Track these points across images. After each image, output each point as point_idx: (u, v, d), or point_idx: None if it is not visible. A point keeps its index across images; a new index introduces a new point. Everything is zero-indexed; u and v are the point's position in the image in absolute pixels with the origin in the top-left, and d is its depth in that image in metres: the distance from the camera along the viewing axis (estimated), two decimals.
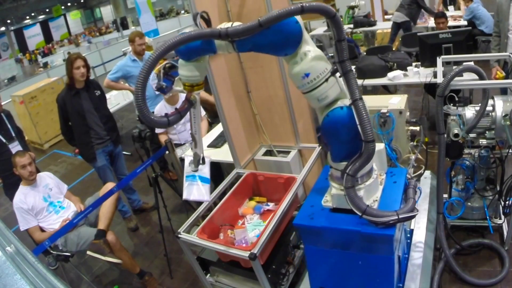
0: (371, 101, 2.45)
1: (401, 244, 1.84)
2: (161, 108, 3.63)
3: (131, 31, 5.31)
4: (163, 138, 3.57)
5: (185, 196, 1.90)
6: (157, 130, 3.62)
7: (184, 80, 1.61)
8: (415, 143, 2.54)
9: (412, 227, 2.37)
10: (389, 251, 1.59)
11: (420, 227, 2.39)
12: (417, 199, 1.68)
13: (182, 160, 3.23)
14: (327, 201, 1.71)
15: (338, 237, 1.65)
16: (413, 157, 2.42)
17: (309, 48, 1.43)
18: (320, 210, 1.71)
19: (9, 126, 3.44)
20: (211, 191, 2.05)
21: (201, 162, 1.92)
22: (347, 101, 1.46)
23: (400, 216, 1.46)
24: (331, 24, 1.36)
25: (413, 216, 1.50)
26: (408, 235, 2.27)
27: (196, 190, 1.90)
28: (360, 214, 1.51)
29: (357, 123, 1.41)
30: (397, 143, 2.44)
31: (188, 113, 3.67)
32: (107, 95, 4.46)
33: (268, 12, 2.20)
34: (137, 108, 1.35)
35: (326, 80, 1.43)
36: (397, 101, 2.51)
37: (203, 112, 3.79)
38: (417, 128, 2.49)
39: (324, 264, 1.80)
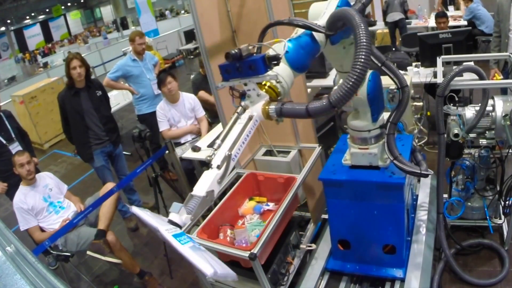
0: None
1: (409, 201, 2.10)
2: (162, 107, 3.64)
3: (131, 31, 5.31)
4: (167, 134, 3.60)
5: (209, 273, 0.98)
6: (161, 128, 3.63)
7: (284, 88, 1.40)
8: (418, 116, 2.64)
9: (417, 193, 2.56)
10: (400, 199, 1.83)
11: (420, 227, 2.41)
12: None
13: (182, 160, 3.25)
14: (347, 159, 1.96)
15: (357, 188, 1.89)
16: (416, 129, 2.58)
17: None
18: (341, 167, 1.98)
19: (9, 127, 3.44)
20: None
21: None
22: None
23: (422, 172, 1.62)
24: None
25: (428, 175, 1.64)
26: (414, 197, 2.49)
27: (214, 262, 1.07)
28: (392, 158, 1.66)
29: (392, 76, 1.65)
30: (403, 116, 2.54)
31: (186, 109, 3.60)
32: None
33: (268, 12, 2.21)
34: (354, 86, 1.16)
35: None
36: None
37: (203, 112, 3.79)
38: (421, 103, 2.67)
39: (343, 217, 2.01)
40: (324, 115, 1.80)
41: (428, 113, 3.05)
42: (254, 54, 1.35)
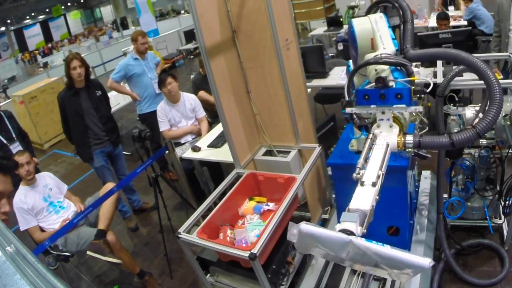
0: None
1: (411, 185, 2.20)
2: (163, 108, 3.64)
3: (133, 31, 5.31)
4: (167, 135, 3.60)
5: (427, 264, 0.98)
6: (161, 128, 3.63)
7: (406, 120, 1.45)
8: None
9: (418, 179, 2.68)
10: (404, 182, 1.95)
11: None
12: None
13: (182, 160, 3.25)
14: (353, 145, 2.12)
15: None
16: (418, 120, 2.61)
17: None
18: (347, 153, 2.13)
19: (9, 126, 3.44)
20: (211, 191, 2.05)
21: None
22: None
23: (420, 153, 1.65)
24: None
25: (427, 157, 1.70)
26: (416, 184, 2.61)
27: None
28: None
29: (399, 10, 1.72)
30: None
31: (186, 109, 3.62)
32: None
33: (268, 12, 2.21)
34: (497, 113, 1.26)
35: None
36: None
37: (203, 113, 3.79)
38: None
39: (350, 199, 2.04)
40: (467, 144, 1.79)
41: (429, 104, 3.26)
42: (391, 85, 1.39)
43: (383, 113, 1.38)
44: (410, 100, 1.32)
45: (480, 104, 2.16)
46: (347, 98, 1.58)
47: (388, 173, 1.78)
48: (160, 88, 3.68)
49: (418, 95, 1.35)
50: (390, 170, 1.83)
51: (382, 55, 1.53)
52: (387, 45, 1.58)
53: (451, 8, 6.93)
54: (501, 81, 2.83)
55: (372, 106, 1.38)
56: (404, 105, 1.33)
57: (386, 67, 1.52)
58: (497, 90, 1.24)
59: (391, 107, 1.35)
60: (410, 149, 1.34)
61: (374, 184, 1.19)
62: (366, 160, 1.29)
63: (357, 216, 1.08)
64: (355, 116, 1.56)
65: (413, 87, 1.34)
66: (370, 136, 1.39)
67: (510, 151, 2.24)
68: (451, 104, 2.25)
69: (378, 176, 1.22)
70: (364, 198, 1.16)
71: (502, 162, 2.28)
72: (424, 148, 1.34)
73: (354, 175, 1.23)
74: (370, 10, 1.96)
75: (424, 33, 3.98)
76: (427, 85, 1.43)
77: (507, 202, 2.35)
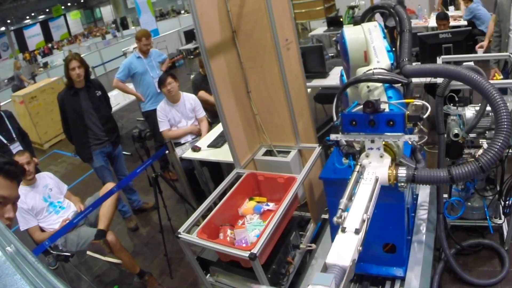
0: None
1: (409, 200, 2.06)
2: (163, 108, 3.64)
3: (132, 31, 5.33)
4: (167, 135, 3.60)
5: None
6: (161, 128, 3.63)
7: (399, 148, 1.29)
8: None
9: (417, 192, 2.52)
10: (401, 198, 1.81)
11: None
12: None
13: (182, 160, 3.25)
14: (347, 159, 1.95)
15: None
16: (416, 129, 2.53)
17: None
18: (340, 167, 1.97)
19: (9, 126, 3.45)
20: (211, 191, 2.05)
21: None
22: None
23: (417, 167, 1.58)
24: None
25: None
26: (415, 197, 2.45)
27: None
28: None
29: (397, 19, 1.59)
30: None
31: (186, 109, 3.62)
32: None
33: (268, 12, 2.21)
34: (503, 147, 1.09)
35: None
36: None
37: (203, 113, 3.79)
38: (420, 102, 2.56)
39: None
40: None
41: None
42: (386, 110, 1.22)
43: (372, 141, 1.22)
44: (404, 127, 1.17)
45: (480, 104, 2.16)
46: (334, 119, 1.43)
47: (384, 189, 1.64)
48: (159, 88, 3.68)
49: (414, 122, 1.20)
50: (386, 186, 1.73)
51: (375, 71, 1.40)
52: (381, 59, 1.47)
53: (451, 8, 6.94)
54: (501, 81, 2.84)
55: (360, 133, 1.22)
56: (397, 134, 1.18)
57: (379, 84, 1.40)
58: (505, 116, 1.09)
59: (381, 135, 1.19)
60: (403, 184, 1.18)
61: (357, 232, 1.01)
62: (351, 198, 1.12)
63: (333, 278, 0.87)
64: (342, 142, 1.41)
65: (408, 112, 1.19)
66: (357, 168, 1.23)
67: (510, 151, 2.24)
68: (451, 104, 2.25)
69: (363, 221, 1.04)
70: (344, 249, 0.98)
71: (502, 162, 2.28)
72: (419, 183, 1.18)
73: (335, 219, 1.06)
74: (364, 17, 1.81)
75: (424, 33, 3.98)
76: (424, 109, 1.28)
77: (507, 202, 2.35)
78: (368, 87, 1.41)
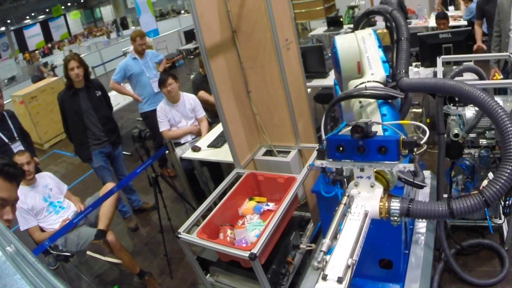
0: None
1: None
2: (162, 108, 3.64)
3: (132, 31, 5.34)
4: (167, 135, 3.61)
5: None
6: (161, 128, 3.63)
7: (393, 175, 1.16)
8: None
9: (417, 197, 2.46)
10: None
11: (420, 227, 2.40)
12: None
13: (182, 160, 3.25)
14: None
15: None
16: (415, 137, 2.48)
17: None
18: (327, 196, 1.85)
19: (11, 126, 3.45)
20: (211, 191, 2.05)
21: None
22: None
23: (415, 182, 1.40)
24: None
25: (423, 186, 1.49)
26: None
27: None
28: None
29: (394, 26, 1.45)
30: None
31: (186, 109, 3.60)
32: None
33: (268, 12, 2.21)
34: (510, 179, 0.96)
35: None
36: None
37: (203, 113, 3.79)
38: (420, 110, 2.55)
39: None
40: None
41: (428, 120, 2.85)
42: (378, 133, 1.09)
43: (361, 170, 1.08)
44: (398, 155, 1.04)
45: None
46: (323, 137, 1.26)
47: None
48: (160, 88, 3.68)
49: (410, 149, 1.04)
50: None
51: (368, 85, 1.28)
52: (375, 70, 1.35)
53: (451, 8, 6.94)
54: (501, 81, 2.84)
55: (348, 160, 1.09)
56: (389, 162, 1.04)
57: (373, 99, 1.28)
58: None
59: (372, 163, 1.06)
60: (396, 217, 1.04)
61: (340, 280, 0.86)
62: (335, 236, 0.98)
63: None
64: (329, 174, 1.26)
65: (403, 137, 1.04)
66: (345, 199, 1.09)
67: None
68: (451, 104, 2.25)
69: (348, 267, 0.89)
70: None
71: None
72: (415, 217, 1.05)
73: (315, 263, 0.92)
74: (358, 23, 1.66)
75: (424, 33, 3.99)
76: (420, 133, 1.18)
77: (507, 202, 2.35)
78: (360, 102, 1.30)
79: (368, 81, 1.30)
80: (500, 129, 0.98)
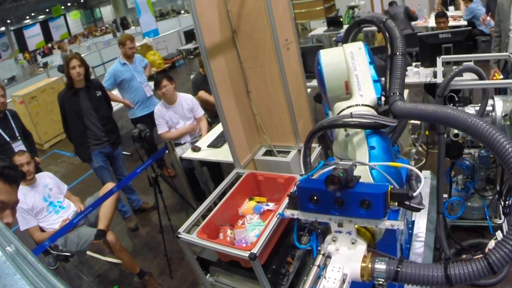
0: None
1: (403, 235, 1.79)
2: (160, 110, 3.63)
3: (132, 31, 5.33)
4: (165, 136, 3.58)
5: None
6: (159, 131, 3.63)
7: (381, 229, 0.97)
8: (415, 136, 2.56)
9: (413, 219, 2.37)
10: (392, 238, 1.53)
11: (420, 227, 2.40)
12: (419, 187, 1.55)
13: (182, 160, 3.25)
14: None
15: None
16: (414, 150, 2.44)
17: None
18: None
19: (13, 125, 3.46)
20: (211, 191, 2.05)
21: None
22: None
23: (411, 205, 1.24)
24: None
25: (420, 209, 1.32)
26: (410, 226, 2.23)
27: None
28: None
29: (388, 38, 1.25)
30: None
31: (184, 110, 3.54)
32: None
33: (268, 12, 2.21)
34: None
35: None
36: None
37: (202, 112, 3.79)
38: (418, 121, 2.50)
39: None
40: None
41: (427, 132, 2.60)
42: (360, 179, 0.91)
43: (340, 225, 0.92)
44: (384, 210, 0.87)
45: (480, 104, 2.16)
46: (303, 173, 1.09)
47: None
48: (155, 90, 3.66)
49: (399, 201, 0.88)
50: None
51: (355, 110, 1.11)
52: (365, 91, 1.17)
53: (451, 8, 6.95)
54: (501, 81, 2.83)
55: (323, 214, 0.92)
56: (374, 220, 0.87)
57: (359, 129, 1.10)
58: None
59: (353, 219, 0.89)
60: (381, 281, 0.87)
61: None
62: None
63: None
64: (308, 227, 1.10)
65: (391, 188, 0.87)
66: (319, 259, 0.92)
67: None
68: (451, 104, 2.24)
69: None
70: None
71: None
72: (404, 282, 0.87)
73: None
74: (348, 34, 1.46)
75: (424, 33, 3.99)
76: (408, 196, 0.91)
77: (507, 202, 2.35)
78: (346, 130, 1.14)
79: (356, 105, 1.12)
80: (507, 167, 0.82)
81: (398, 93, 1.11)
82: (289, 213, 1.01)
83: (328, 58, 1.24)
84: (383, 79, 1.28)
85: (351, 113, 1.09)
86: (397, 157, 1.91)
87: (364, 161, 1.03)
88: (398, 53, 1.16)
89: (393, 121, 1.08)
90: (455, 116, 0.89)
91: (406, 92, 2.57)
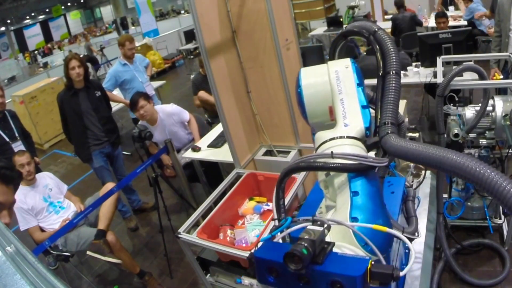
0: None
1: (398, 256, 1.63)
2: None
3: (132, 31, 5.34)
4: (153, 150, 3.44)
5: None
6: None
7: None
8: None
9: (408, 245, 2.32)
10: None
11: (419, 227, 2.40)
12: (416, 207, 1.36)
13: (185, 168, 3.24)
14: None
15: None
16: (412, 164, 2.36)
17: None
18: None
19: (13, 126, 3.46)
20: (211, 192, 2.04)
21: None
22: None
23: (405, 233, 1.11)
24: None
25: (414, 238, 1.21)
26: (406, 252, 2.19)
27: None
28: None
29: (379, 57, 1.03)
30: None
31: (171, 126, 3.33)
32: None
33: (268, 13, 2.21)
34: None
35: None
36: None
37: (187, 115, 3.56)
38: (416, 134, 2.43)
39: None
40: None
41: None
42: (333, 250, 0.76)
43: None
44: None
45: (480, 104, 2.16)
46: (276, 221, 0.95)
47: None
48: (132, 111, 3.41)
49: (381, 282, 0.70)
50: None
51: (336, 148, 0.92)
52: (351, 120, 0.96)
53: (451, 8, 6.95)
54: (501, 81, 2.83)
55: None
56: None
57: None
58: None
59: None
60: None
61: None
62: None
63: None
64: None
65: (372, 264, 0.71)
66: None
67: (510, 151, 2.24)
68: (451, 104, 2.25)
69: None
70: None
71: (502, 162, 2.28)
72: None
73: None
74: (335, 47, 1.21)
75: (424, 33, 3.99)
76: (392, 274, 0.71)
77: None
78: None
79: (340, 137, 0.93)
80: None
81: (390, 123, 0.91)
82: (247, 282, 0.84)
83: (310, 78, 1.05)
84: (371, 93, 1.12)
85: (331, 152, 0.89)
86: (393, 174, 1.75)
87: (344, 210, 0.87)
88: (391, 72, 0.95)
89: (383, 160, 0.87)
90: (450, 158, 0.70)
91: (403, 103, 2.42)
